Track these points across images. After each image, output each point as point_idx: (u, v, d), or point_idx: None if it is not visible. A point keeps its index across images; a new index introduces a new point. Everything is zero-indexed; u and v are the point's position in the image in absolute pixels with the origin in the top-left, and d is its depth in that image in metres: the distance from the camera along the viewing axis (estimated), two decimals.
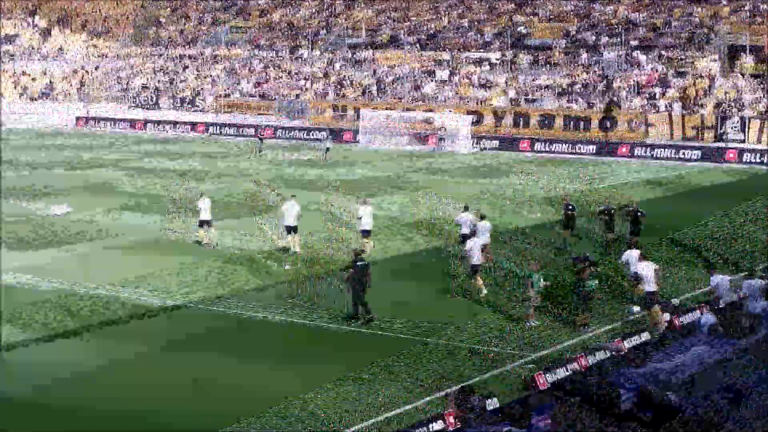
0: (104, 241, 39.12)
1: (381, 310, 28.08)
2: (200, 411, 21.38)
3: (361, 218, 36.36)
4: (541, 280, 27.90)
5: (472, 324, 27.49)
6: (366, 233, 36.20)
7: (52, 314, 28.56)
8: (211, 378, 23.30)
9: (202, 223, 37.84)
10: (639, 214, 36.31)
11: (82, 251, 37.33)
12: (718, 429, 15.30)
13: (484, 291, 30.30)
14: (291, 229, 36.26)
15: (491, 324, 27.52)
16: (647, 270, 27.40)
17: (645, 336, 24.80)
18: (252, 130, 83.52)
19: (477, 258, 30.59)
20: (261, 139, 73.26)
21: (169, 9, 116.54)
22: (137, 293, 30.77)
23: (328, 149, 68.41)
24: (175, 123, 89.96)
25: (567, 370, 21.81)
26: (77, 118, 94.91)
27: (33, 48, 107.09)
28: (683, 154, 68.20)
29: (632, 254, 29.47)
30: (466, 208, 36.24)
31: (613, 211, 38.00)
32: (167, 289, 31.32)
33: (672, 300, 28.25)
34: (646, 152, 69.59)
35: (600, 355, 23.21)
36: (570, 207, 38.35)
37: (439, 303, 30.01)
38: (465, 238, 33.54)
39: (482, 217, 35.13)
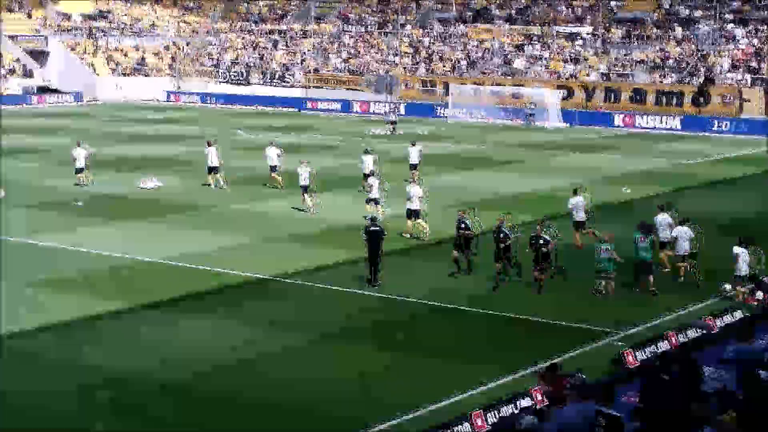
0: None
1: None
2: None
3: (300, 175, 39.66)
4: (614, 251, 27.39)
5: (553, 301, 27.21)
6: (304, 189, 39.60)
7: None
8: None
9: (78, 171, 45.07)
10: (543, 241, 27.79)
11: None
12: None
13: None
14: (273, 168, 44.15)
15: (575, 299, 27.22)
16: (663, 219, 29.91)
17: (737, 315, 24.39)
18: (339, 105, 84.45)
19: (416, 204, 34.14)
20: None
21: None
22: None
23: (395, 123, 68.25)
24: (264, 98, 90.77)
25: (656, 348, 21.51)
26: (168, 93, 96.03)
27: (125, 24, 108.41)
28: None
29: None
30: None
31: (515, 236, 28.99)
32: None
33: (764, 279, 27.59)
34: (740, 128, 68.35)
35: (690, 333, 22.88)
36: (463, 224, 29.63)
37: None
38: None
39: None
